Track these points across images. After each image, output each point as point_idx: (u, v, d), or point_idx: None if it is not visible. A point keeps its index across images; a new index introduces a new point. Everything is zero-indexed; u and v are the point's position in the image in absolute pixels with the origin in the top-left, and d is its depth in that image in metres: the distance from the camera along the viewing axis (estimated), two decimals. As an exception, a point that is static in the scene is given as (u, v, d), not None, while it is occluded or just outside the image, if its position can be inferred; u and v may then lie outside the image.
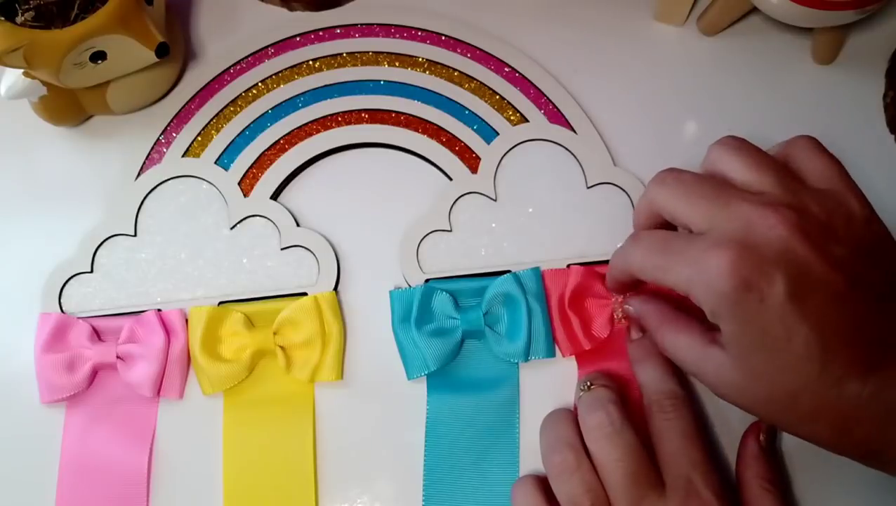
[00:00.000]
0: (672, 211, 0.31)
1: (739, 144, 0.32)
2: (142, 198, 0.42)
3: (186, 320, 0.39)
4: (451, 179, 0.42)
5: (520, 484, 0.36)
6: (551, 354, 0.38)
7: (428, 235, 0.41)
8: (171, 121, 0.44)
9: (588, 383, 0.36)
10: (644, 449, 0.34)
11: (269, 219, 0.42)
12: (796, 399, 0.29)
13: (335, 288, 0.40)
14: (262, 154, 0.43)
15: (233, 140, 0.43)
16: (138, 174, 0.43)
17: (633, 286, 0.37)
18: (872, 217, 0.30)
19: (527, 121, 0.43)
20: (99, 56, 0.39)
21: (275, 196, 0.42)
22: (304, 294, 0.40)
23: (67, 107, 0.43)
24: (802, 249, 0.28)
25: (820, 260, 0.28)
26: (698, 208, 0.30)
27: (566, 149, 0.42)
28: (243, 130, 0.44)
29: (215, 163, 0.43)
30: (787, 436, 0.37)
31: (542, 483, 0.35)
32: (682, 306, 0.35)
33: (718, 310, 0.29)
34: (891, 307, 0.29)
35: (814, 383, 0.28)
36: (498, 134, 0.43)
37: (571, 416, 0.36)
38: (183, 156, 0.43)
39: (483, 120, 0.43)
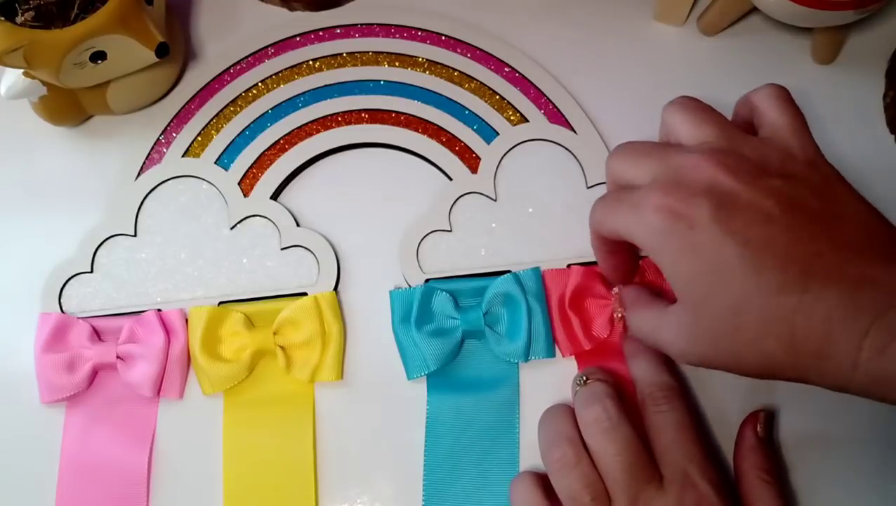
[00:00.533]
0: (622, 174, 0.33)
1: (686, 103, 0.33)
2: (142, 198, 0.42)
3: (186, 320, 0.39)
4: (451, 179, 0.42)
5: (518, 480, 0.36)
6: (551, 354, 0.38)
7: (428, 235, 0.41)
8: (171, 121, 0.44)
9: (584, 378, 0.36)
10: (642, 442, 0.34)
11: (269, 219, 0.42)
12: (740, 318, 0.28)
13: (335, 288, 0.40)
14: (262, 154, 0.43)
15: (233, 140, 0.43)
16: (138, 174, 0.43)
17: (613, 251, 0.37)
18: (816, 159, 0.31)
19: (527, 121, 0.43)
20: (99, 56, 0.39)
21: (275, 196, 0.42)
22: (304, 294, 0.40)
23: (67, 107, 0.43)
24: (727, 180, 0.29)
25: (745, 188, 0.29)
26: (642, 166, 0.32)
27: (566, 149, 0.42)
28: (243, 130, 0.44)
29: (215, 163, 0.43)
30: (786, 427, 0.38)
31: (541, 479, 0.35)
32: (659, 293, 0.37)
33: (655, 246, 0.30)
34: (830, 224, 0.28)
35: (752, 298, 0.28)
36: (498, 134, 0.43)
37: (569, 411, 0.36)
38: (183, 156, 0.43)
39: (483, 120, 0.43)
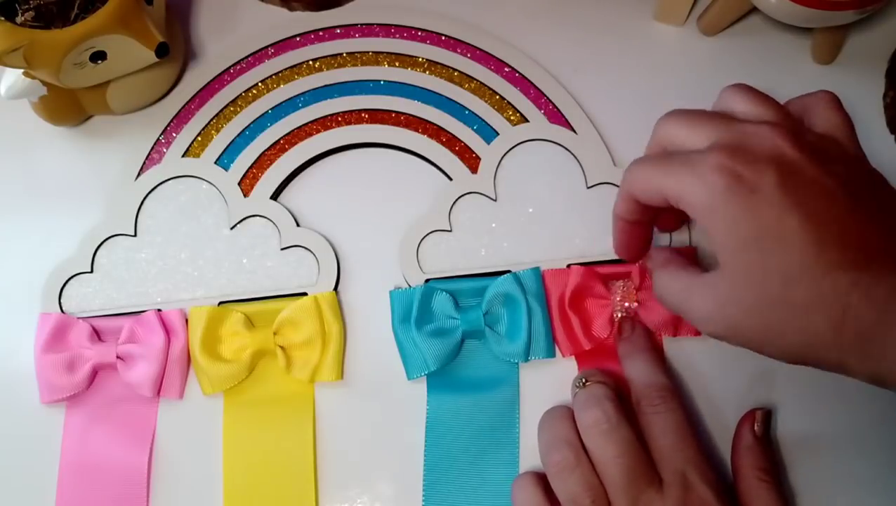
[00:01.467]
0: (675, 137, 0.31)
1: (748, 88, 0.32)
2: (142, 198, 0.42)
3: (186, 320, 0.39)
4: (451, 179, 0.42)
5: (520, 481, 0.36)
6: (551, 354, 0.38)
7: (428, 235, 0.41)
8: (171, 121, 0.44)
9: (583, 380, 0.36)
10: (641, 445, 0.34)
11: (269, 219, 0.42)
12: (791, 289, 0.28)
13: (335, 288, 0.40)
14: (262, 154, 0.43)
15: (233, 140, 0.43)
16: (138, 174, 0.43)
17: (637, 222, 0.34)
18: (866, 161, 0.31)
19: (527, 121, 0.43)
20: (99, 56, 0.39)
21: (275, 196, 0.42)
22: (304, 294, 0.40)
23: (67, 107, 0.43)
24: (793, 153, 0.28)
25: (812, 164, 0.28)
26: (701, 131, 0.31)
27: (566, 149, 0.42)
28: (243, 130, 0.44)
29: (215, 163, 0.43)
30: (784, 426, 0.38)
31: (542, 480, 0.35)
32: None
33: (711, 206, 0.28)
34: (882, 219, 0.28)
35: (809, 270, 0.27)
36: (498, 134, 0.43)
37: (569, 413, 0.36)
38: (183, 156, 0.43)
39: (483, 120, 0.43)
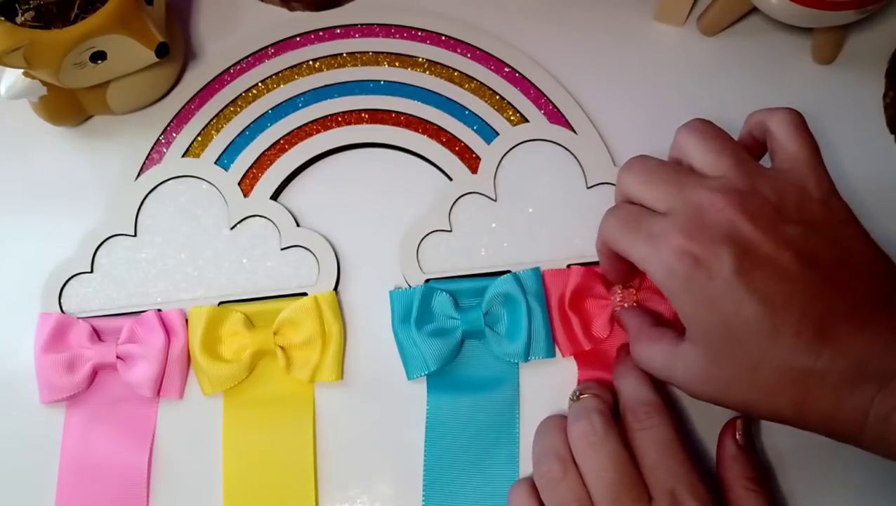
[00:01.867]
0: (636, 195, 0.33)
1: (703, 128, 0.33)
2: (142, 198, 0.42)
3: (186, 320, 0.39)
4: (451, 179, 0.42)
5: (516, 488, 0.35)
6: (551, 354, 0.38)
7: (428, 235, 0.41)
8: (171, 121, 0.44)
9: (577, 393, 0.36)
10: (630, 459, 0.33)
11: (269, 219, 0.42)
12: (755, 375, 0.29)
13: (335, 288, 0.40)
14: (262, 154, 0.43)
15: (233, 140, 0.43)
16: (138, 174, 0.43)
17: (618, 259, 0.36)
18: (830, 198, 0.31)
19: (527, 121, 0.43)
20: (99, 56, 0.39)
21: (275, 196, 0.42)
22: (304, 294, 0.40)
23: (67, 107, 0.43)
24: (748, 229, 0.30)
25: (766, 239, 0.29)
26: (658, 193, 0.32)
27: (566, 149, 0.42)
28: (243, 130, 0.44)
29: (215, 163, 0.43)
30: (775, 432, 0.38)
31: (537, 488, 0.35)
32: (664, 322, 0.36)
33: (672, 289, 0.30)
34: (843, 282, 0.29)
35: (768, 356, 0.29)
36: (498, 134, 0.43)
37: (562, 424, 0.35)
38: (183, 156, 0.43)
39: (483, 120, 0.43)
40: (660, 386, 0.36)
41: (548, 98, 0.43)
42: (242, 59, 0.45)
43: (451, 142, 0.43)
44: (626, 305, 0.38)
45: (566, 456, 0.34)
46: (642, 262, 0.31)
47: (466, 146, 0.43)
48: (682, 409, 0.38)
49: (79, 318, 0.40)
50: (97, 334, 0.40)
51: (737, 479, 0.34)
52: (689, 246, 0.30)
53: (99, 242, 0.41)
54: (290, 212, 0.42)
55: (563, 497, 0.33)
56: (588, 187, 0.41)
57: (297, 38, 0.45)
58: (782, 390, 0.29)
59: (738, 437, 0.35)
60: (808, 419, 0.29)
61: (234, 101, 0.44)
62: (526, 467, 0.37)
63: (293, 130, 0.43)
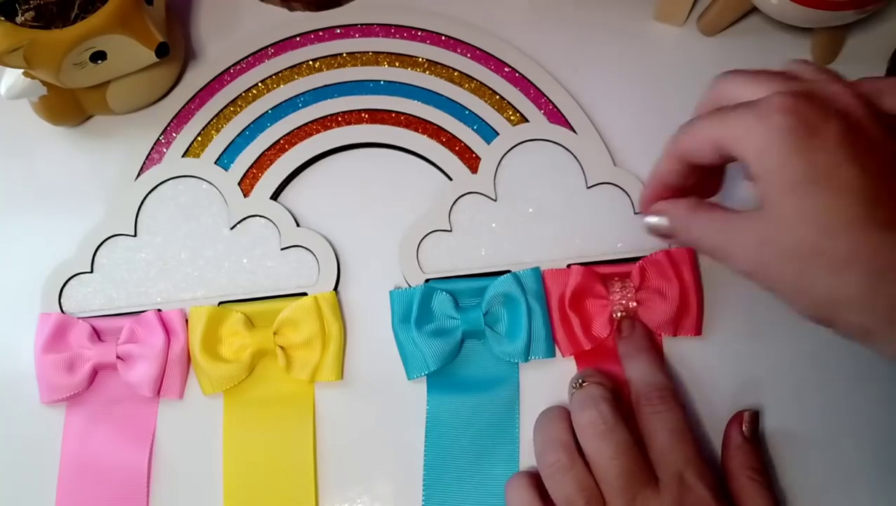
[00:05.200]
0: (735, 92, 0.30)
1: (814, 63, 0.31)
2: (142, 198, 0.42)
3: (186, 320, 0.40)
4: (451, 178, 0.42)
5: (514, 481, 0.36)
6: (551, 354, 0.38)
7: (428, 235, 0.41)
8: (171, 121, 0.44)
9: (580, 381, 0.36)
10: (637, 446, 0.34)
11: (269, 219, 0.42)
12: (832, 239, 0.27)
13: (335, 288, 0.40)
14: (262, 154, 0.43)
15: (233, 140, 0.43)
16: (138, 174, 0.43)
17: (674, 187, 0.33)
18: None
19: (527, 121, 0.43)
20: (99, 56, 0.39)
21: (275, 196, 0.42)
22: (304, 294, 0.40)
23: (67, 107, 0.43)
24: (862, 112, 0.28)
25: (877, 127, 0.28)
26: (768, 85, 0.29)
27: (566, 149, 0.42)
28: (243, 130, 0.44)
29: (215, 163, 0.43)
30: (776, 427, 0.38)
31: (536, 480, 0.35)
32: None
33: (768, 144, 0.27)
34: None
35: (855, 223, 0.26)
36: (498, 134, 0.43)
37: (564, 414, 0.36)
38: (183, 156, 0.43)
39: (483, 120, 0.43)
40: (669, 372, 0.36)
41: (548, 98, 0.43)
42: (242, 59, 0.45)
43: (451, 142, 0.43)
44: (626, 304, 0.38)
45: (572, 446, 0.34)
46: (736, 133, 0.28)
47: (466, 146, 0.43)
48: (689, 402, 0.38)
49: (79, 318, 0.40)
50: (97, 334, 0.40)
51: (740, 468, 0.35)
52: (798, 105, 0.27)
53: (99, 242, 0.41)
54: (290, 212, 0.42)
55: (571, 487, 0.33)
56: (588, 187, 0.41)
57: (297, 38, 0.45)
58: (859, 260, 0.26)
59: (744, 428, 0.36)
60: (874, 304, 0.27)
61: (234, 101, 0.44)
62: (526, 467, 0.37)
63: (293, 130, 0.43)
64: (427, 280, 0.40)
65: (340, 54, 0.45)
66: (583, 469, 0.33)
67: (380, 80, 0.44)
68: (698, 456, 0.34)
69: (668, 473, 0.33)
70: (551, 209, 0.41)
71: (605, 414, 0.34)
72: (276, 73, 0.45)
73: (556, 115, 0.43)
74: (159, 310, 0.40)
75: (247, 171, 0.43)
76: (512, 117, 0.43)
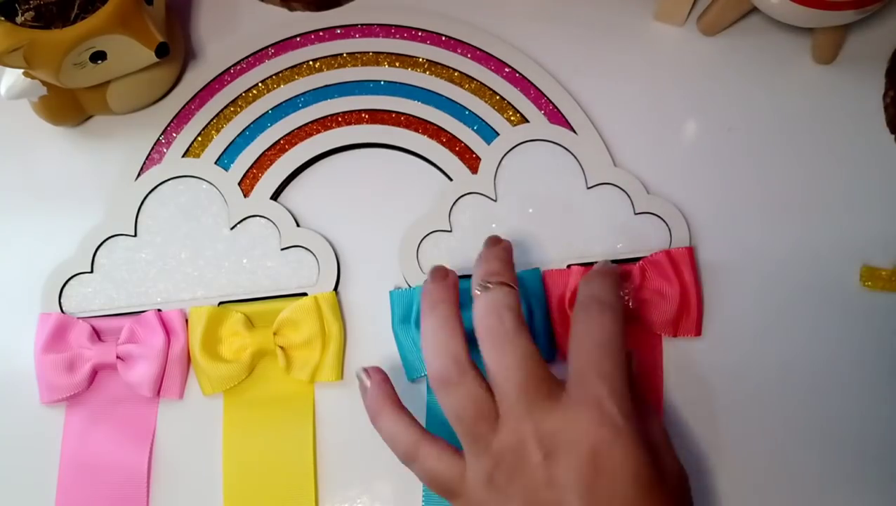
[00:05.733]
0: None
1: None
2: (142, 198, 0.42)
3: (186, 320, 0.40)
4: (451, 179, 0.42)
5: (379, 412, 0.33)
6: (552, 355, 0.38)
7: (428, 235, 0.41)
8: (171, 121, 0.44)
9: (485, 282, 0.33)
10: (541, 359, 0.31)
11: (269, 219, 0.42)
12: None
13: (335, 288, 0.40)
14: (263, 154, 0.43)
15: (233, 140, 0.43)
16: (138, 174, 0.43)
17: None
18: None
19: (527, 121, 0.43)
20: (99, 56, 0.39)
21: (275, 196, 0.42)
22: (304, 294, 0.40)
23: (67, 107, 0.43)
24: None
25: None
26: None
27: (566, 149, 0.42)
28: (243, 131, 0.44)
29: (215, 163, 0.43)
30: (776, 426, 0.38)
31: (394, 400, 0.34)
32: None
33: None
34: None
35: None
36: (498, 134, 0.43)
37: (455, 322, 0.32)
38: (183, 156, 0.43)
39: (483, 120, 0.43)
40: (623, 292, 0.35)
41: (548, 98, 0.43)
42: (242, 60, 0.45)
43: (451, 142, 0.43)
44: (625, 302, 0.38)
45: (462, 355, 0.31)
46: None
47: (466, 146, 0.43)
48: (688, 402, 0.38)
49: (79, 318, 0.40)
50: (97, 334, 0.40)
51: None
52: None
53: (99, 243, 0.41)
54: (290, 212, 0.42)
55: (460, 401, 0.31)
56: (588, 187, 0.41)
57: (297, 39, 0.45)
58: None
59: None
60: None
61: (234, 102, 0.44)
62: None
63: (293, 131, 0.43)
64: (427, 280, 0.40)
65: (341, 54, 0.45)
66: (474, 381, 0.31)
67: (380, 81, 0.44)
68: (622, 380, 0.30)
69: (580, 386, 0.30)
70: (551, 210, 0.41)
71: (506, 322, 0.31)
72: (276, 74, 0.45)
73: (556, 116, 0.43)
74: (159, 310, 0.40)
75: (247, 171, 0.43)
76: (512, 118, 0.43)
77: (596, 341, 0.31)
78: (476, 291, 0.33)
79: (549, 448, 0.29)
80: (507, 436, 0.30)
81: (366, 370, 0.35)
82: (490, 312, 0.32)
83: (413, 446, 0.32)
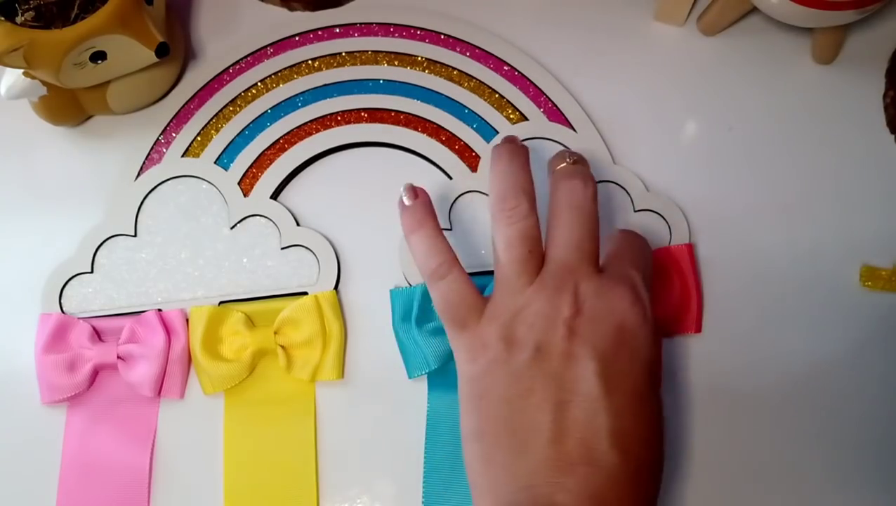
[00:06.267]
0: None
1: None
2: (142, 198, 0.42)
3: (187, 320, 0.40)
4: (450, 177, 0.42)
5: (415, 230, 0.35)
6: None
7: (428, 234, 0.41)
8: (171, 121, 0.44)
9: (574, 158, 0.35)
10: (598, 235, 0.33)
11: (269, 218, 0.42)
12: None
13: (335, 287, 0.40)
14: (262, 154, 0.43)
15: (232, 140, 0.43)
16: (138, 174, 0.43)
17: None
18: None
19: (526, 119, 0.43)
20: (99, 56, 0.39)
21: (275, 196, 0.42)
22: (305, 293, 0.40)
23: (67, 107, 0.43)
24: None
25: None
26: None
27: (566, 147, 0.42)
28: (243, 130, 0.44)
29: (215, 163, 0.43)
30: (776, 425, 0.38)
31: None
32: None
33: None
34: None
35: None
36: (497, 132, 0.43)
37: (528, 167, 0.34)
38: (183, 156, 0.43)
39: (482, 118, 0.43)
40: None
41: (547, 96, 0.43)
42: (242, 59, 0.45)
43: (450, 140, 0.43)
44: None
45: (535, 200, 0.33)
46: None
47: (466, 145, 0.43)
48: (688, 400, 0.38)
49: (79, 318, 0.40)
50: (98, 335, 0.40)
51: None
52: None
53: (99, 243, 0.41)
54: (290, 211, 0.42)
55: (520, 232, 0.32)
56: (588, 187, 0.41)
57: (297, 38, 0.45)
58: None
59: (568, 158, 0.35)
60: None
61: (233, 101, 0.44)
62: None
63: (293, 130, 0.43)
64: (427, 280, 0.40)
65: (340, 53, 0.45)
66: (536, 225, 0.33)
67: (379, 80, 0.44)
68: (650, 286, 0.32)
69: (616, 266, 0.32)
70: (551, 209, 0.41)
71: (588, 192, 0.33)
72: (275, 73, 0.45)
73: (555, 114, 0.43)
74: (160, 310, 0.40)
75: (246, 170, 0.43)
76: (511, 116, 0.43)
77: (631, 244, 0.34)
78: (567, 160, 0.34)
79: (580, 307, 0.31)
80: (549, 281, 0.32)
81: (413, 189, 0.36)
82: (577, 175, 0.33)
83: (448, 264, 0.34)
